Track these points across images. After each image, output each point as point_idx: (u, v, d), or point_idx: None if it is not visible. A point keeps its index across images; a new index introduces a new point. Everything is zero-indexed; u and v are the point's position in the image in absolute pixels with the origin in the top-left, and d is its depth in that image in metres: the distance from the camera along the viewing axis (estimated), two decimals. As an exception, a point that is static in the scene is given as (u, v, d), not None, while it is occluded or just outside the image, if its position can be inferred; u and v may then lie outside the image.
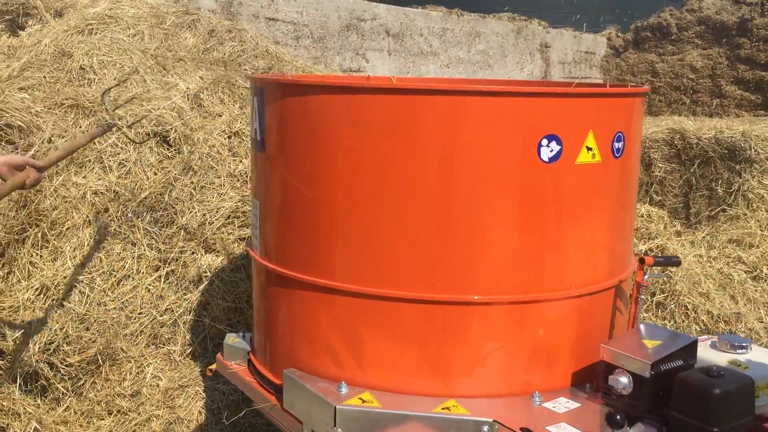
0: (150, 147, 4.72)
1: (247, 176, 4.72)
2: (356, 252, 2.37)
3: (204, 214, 4.45)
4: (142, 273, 4.28)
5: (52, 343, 3.90)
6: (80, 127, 4.57)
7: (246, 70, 6.07)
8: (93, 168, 4.51)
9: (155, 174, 4.65)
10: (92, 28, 5.48)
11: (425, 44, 11.36)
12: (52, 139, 4.41)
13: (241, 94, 5.49)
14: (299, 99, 2.37)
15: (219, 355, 3.18)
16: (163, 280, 4.28)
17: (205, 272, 4.18)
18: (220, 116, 5.27)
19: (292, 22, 9.06)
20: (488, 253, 2.31)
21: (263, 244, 2.68)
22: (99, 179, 4.49)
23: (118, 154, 4.60)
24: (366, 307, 2.41)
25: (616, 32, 15.96)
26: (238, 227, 4.49)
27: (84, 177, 4.47)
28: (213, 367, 3.22)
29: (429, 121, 2.24)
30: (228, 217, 4.49)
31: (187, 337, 4.03)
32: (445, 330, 2.34)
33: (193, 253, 4.30)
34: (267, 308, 2.73)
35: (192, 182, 4.57)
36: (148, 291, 4.26)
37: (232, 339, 3.11)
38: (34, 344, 3.84)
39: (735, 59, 14.52)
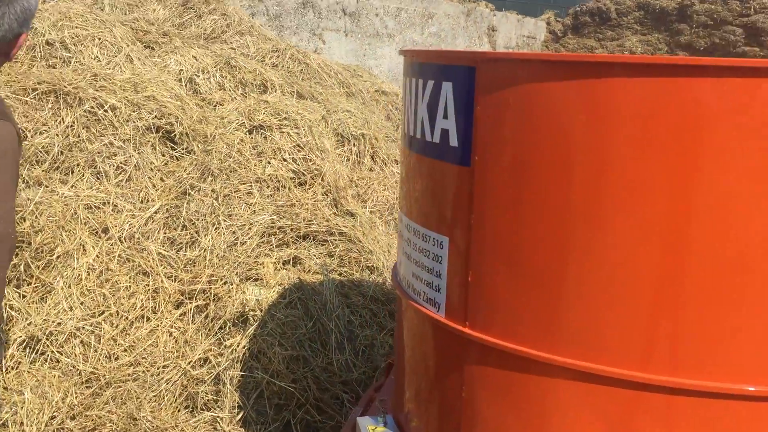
0: (152, 144, 3.68)
1: (278, 182, 3.76)
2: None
3: (233, 232, 3.48)
4: (161, 311, 3.27)
5: (54, 419, 2.86)
6: (62, 119, 3.47)
7: (234, 48, 5.06)
8: (83, 175, 3.44)
9: (163, 180, 3.62)
10: (48, -6, 4.33)
11: (381, 25, 10.51)
12: (30, 136, 3.31)
13: (243, 79, 4.50)
14: (597, 86, 1.51)
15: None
16: (189, 319, 3.28)
17: (253, 310, 3.21)
18: (222, 105, 4.27)
19: (250, -4, 7.99)
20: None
21: (458, 302, 1.81)
22: (92, 188, 3.42)
23: (115, 155, 3.53)
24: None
25: (555, 17, 15.62)
26: (277, 247, 3.54)
27: (72, 187, 3.39)
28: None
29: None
30: (263, 235, 3.53)
31: (236, 397, 3.06)
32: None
33: (225, 282, 3.33)
34: (473, 399, 1.82)
35: (213, 190, 3.57)
36: (171, 335, 3.26)
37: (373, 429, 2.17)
38: (30, 425, 2.79)
39: (675, 45, 14.46)
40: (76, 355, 3.05)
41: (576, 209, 1.62)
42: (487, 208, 1.73)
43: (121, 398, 3.00)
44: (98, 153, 3.46)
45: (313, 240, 3.64)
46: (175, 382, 3.11)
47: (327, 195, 3.91)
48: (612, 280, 1.58)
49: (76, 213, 3.30)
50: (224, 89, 4.38)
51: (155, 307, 3.28)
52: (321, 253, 3.61)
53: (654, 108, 1.49)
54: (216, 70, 4.41)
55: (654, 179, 1.51)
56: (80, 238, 3.25)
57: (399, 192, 2.20)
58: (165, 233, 3.43)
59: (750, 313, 1.52)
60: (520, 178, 1.67)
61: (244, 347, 3.15)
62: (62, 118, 3.45)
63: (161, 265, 3.34)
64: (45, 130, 3.38)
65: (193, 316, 3.29)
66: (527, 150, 1.65)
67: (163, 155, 3.71)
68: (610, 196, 1.56)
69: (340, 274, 3.64)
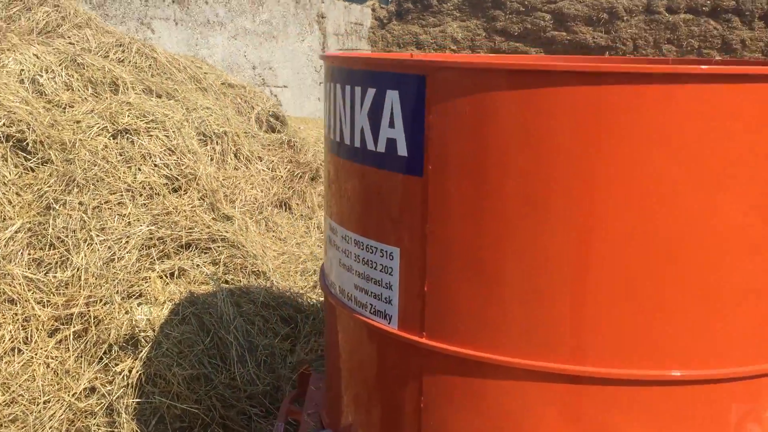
0: (2, 155, 3.30)
1: (151, 190, 3.52)
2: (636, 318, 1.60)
3: (109, 247, 3.20)
4: (35, 341, 2.96)
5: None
6: None
7: (74, 44, 4.65)
8: (-75, 194, 3.01)
9: (19, 195, 3.26)
10: None
11: (212, 13, 10.11)
12: None
13: (92, 77, 4.15)
14: (563, 94, 1.52)
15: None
16: (67, 347, 2.99)
17: (144, 330, 2.98)
18: (71, 107, 3.92)
19: (72, -17, 7.36)
20: None
21: (413, 313, 1.78)
22: (-63, 210, 3.01)
23: (-40, 170, 3.12)
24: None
25: (380, 4, 15.88)
26: (159, 259, 3.31)
27: None
28: None
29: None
30: (142, 248, 3.29)
31: (134, 426, 2.83)
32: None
33: (106, 303, 3.06)
34: (433, 408, 1.79)
35: (81, 203, 3.26)
36: (48, 367, 2.95)
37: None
38: None
39: (492, 31, 15.24)
40: (-61, 402, 2.68)
41: (522, 212, 1.65)
42: (444, 217, 1.72)
43: (0, 444, 2.68)
44: (-59, 169, 3.04)
45: (196, 249, 3.45)
46: (60, 418, 2.82)
47: (203, 200, 3.71)
48: (552, 280, 1.63)
49: None
50: (72, 89, 4.01)
51: (27, 338, 2.95)
52: (205, 262, 3.43)
53: (587, 115, 1.55)
54: (61, 69, 4.02)
55: (576, 184, 1.57)
56: (-70, 268, 2.84)
57: (326, 200, 2.12)
58: (30, 254, 3.10)
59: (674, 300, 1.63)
60: (477, 186, 1.67)
61: (137, 372, 2.92)
62: None
63: (30, 290, 3.01)
64: None
65: (71, 343, 3.00)
66: (483, 158, 1.65)
67: (17, 167, 3.33)
68: (546, 199, 1.61)
69: (227, 282, 3.48)
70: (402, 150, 1.74)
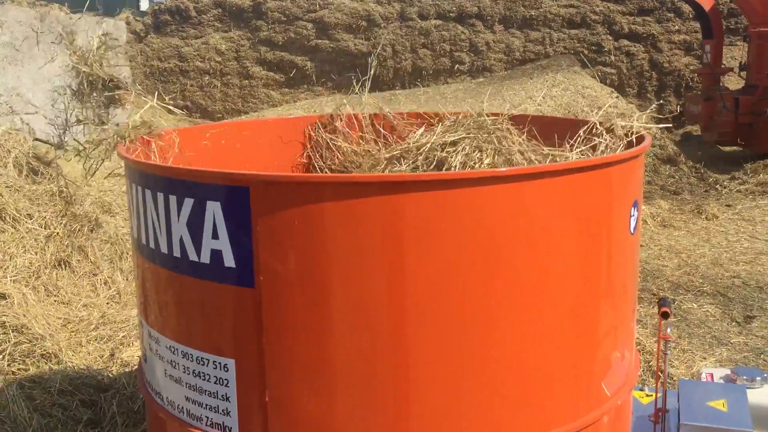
0: None
1: None
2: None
3: None
4: None
5: None
6: None
7: None
8: None
9: None
10: None
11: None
12: None
13: None
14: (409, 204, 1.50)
15: None
16: None
17: None
18: None
19: None
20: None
21: (255, 423, 1.70)
22: None
23: None
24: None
25: (134, 17, 15.09)
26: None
27: None
28: None
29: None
30: None
31: None
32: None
33: None
34: None
35: None
36: None
37: None
38: None
39: (256, 41, 15.15)
40: None
41: (351, 321, 1.67)
42: (280, 328, 1.69)
43: None
44: None
45: (-28, 343, 3.06)
46: None
47: (-27, 283, 3.30)
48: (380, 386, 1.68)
49: None
50: None
51: None
52: (-15, 357, 3.06)
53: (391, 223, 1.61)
54: None
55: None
56: None
57: (140, 300, 1.99)
58: None
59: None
60: (309, 295, 1.66)
61: None
62: None
63: None
64: None
65: None
66: (313, 267, 1.65)
67: None
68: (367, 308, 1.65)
69: (14, 374, 3.14)
70: (229, 261, 1.68)
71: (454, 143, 1.76)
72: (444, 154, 1.75)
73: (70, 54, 2.46)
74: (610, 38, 13.57)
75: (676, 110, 11.73)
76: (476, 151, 1.75)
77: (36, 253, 4.35)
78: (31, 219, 4.54)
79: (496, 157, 1.74)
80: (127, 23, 14.83)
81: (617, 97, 10.24)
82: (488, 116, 1.89)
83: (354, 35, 14.96)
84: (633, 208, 1.89)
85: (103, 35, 2.58)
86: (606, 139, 1.94)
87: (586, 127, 2.01)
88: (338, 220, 1.61)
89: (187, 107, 14.52)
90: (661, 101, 13.21)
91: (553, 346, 1.77)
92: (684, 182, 9.44)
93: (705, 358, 4.77)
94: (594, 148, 1.94)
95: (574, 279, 1.78)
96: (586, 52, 13.46)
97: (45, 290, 4.28)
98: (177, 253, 1.76)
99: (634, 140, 1.97)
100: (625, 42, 13.53)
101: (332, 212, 1.61)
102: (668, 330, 2.34)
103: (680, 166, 9.76)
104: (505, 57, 14.20)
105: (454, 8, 14.59)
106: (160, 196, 1.77)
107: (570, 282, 1.78)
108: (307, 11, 15.01)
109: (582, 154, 1.93)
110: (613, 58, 13.53)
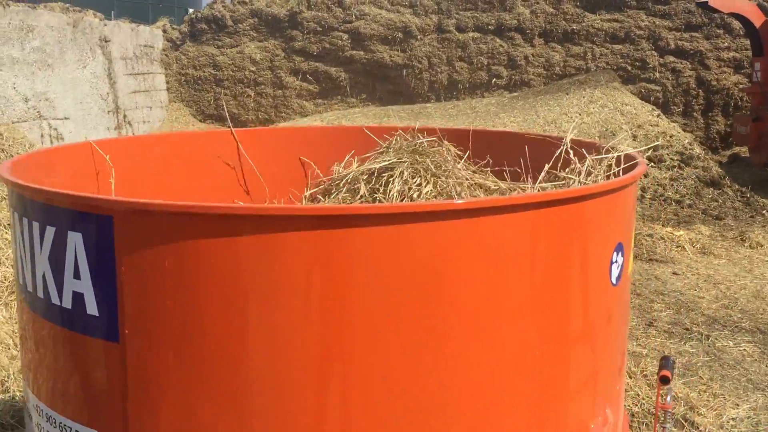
0: None
1: None
2: None
3: None
4: None
5: None
6: None
7: None
8: None
9: None
10: None
11: (-35, 42, 8.93)
12: None
13: None
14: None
15: None
16: None
17: None
18: None
19: None
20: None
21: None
22: None
23: None
24: None
25: (171, 24, 15.07)
26: None
27: None
28: None
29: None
30: None
31: None
32: None
33: None
34: None
35: None
36: None
37: None
38: None
39: (291, 51, 14.97)
40: None
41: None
42: (147, 394, 1.35)
43: None
44: None
45: None
46: None
47: None
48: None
49: None
50: None
51: None
52: None
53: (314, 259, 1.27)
54: None
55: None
56: None
57: (21, 355, 1.67)
58: None
59: None
60: (189, 354, 1.31)
61: None
62: None
63: None
64: None
65: None
66: (187, 315, 1.30)
67: None
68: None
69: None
70: (92, 308, 1.35)
71: (390, 168, 1.41)
72: (375, 185, 1.41)
73: None
74: (656, 54, 13.01)
75: (723, 131, 11.10)
76: (416, 177, 1.40)
77: (10, 267, 4.12)
78: (8, 229, 4.31)
79: (437, 184, 1.39)
80: (164, 31, 14.82)
81: (658, 116, 9.69)
82: (424, 137, 1.54)
83: (389, 47, 14.66)
84: (616, 254, 1.51)
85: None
86: (587, 165, 1.57)
87: (558, 151, 1.62)
88: (223, 260, 1.27)
89: (219, 116, 14.38)
90: (708, 121, 12.61)
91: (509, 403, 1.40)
92: (728, 207, 8.85)
93: (738, 405, 4.29)
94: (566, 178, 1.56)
95: (531, 332, 1.40)
96: (629, 68, 12.94)
97: (14, 308, 4.04)
98: (41, 293, 1.43)
99: (621, 170, 1.59)
100: (671, 58, 12.95)
101: (215, 250, 1.27)
102: (668, 398, 1.92)
103: (725, 189, 9.16)
104: (544, 72, 13.74)
105: (493, 21, 14.20)
106: (25, 222, 1.45)
107: (527, 334, 1.40)
108: (343, 22, 14.78)
109: (553, 184, 1.55)
110: (657, 74, 12.95)
